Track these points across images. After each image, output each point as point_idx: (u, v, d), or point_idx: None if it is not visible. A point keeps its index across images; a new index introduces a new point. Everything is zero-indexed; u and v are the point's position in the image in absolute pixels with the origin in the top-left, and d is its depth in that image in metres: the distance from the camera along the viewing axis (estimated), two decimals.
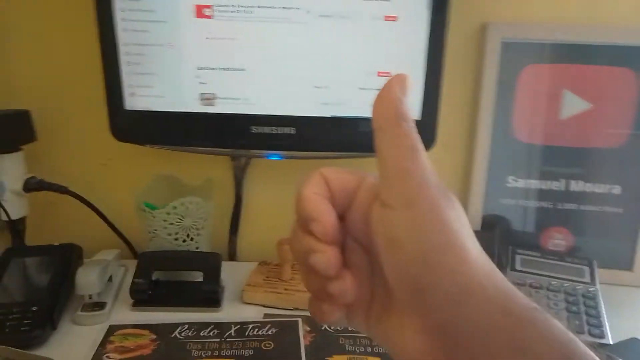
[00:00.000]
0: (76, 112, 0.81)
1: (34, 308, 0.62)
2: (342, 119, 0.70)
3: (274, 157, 0.74)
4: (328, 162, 0.81)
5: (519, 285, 0.72)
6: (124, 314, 0.68)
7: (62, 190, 0.75)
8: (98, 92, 0.70)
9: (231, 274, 0.76)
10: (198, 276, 0.72)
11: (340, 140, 0.71)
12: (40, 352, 0.59)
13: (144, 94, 0.69)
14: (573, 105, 0.77)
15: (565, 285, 0.72)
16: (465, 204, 0.84)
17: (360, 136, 0.71)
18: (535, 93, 0.78)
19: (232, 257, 0.87)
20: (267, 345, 0.62)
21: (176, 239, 0.74)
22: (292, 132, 0.69)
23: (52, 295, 0.65)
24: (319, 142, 0.71)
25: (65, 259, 0.71)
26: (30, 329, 0.60)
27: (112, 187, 0.84)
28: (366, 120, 0.71)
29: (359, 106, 0.69)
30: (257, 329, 0.65)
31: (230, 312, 0.69)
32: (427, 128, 0.71)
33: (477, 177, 0.81)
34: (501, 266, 0.75)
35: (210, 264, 0.71)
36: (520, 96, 0.78)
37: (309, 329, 0.65)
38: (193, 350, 0.60)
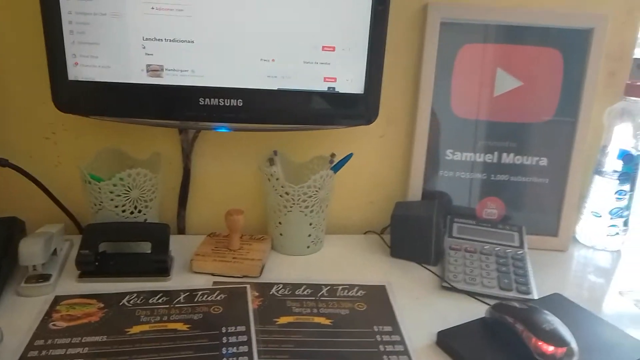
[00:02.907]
0: (17, 80, 0.79)
1: None
2: (288, 91, 0.71)
3: (222, 129, 0.75)
4: (274, 135, 0.83)
5: (455, 250, 0.77)
6: (70, 285, 0.68)
7: (2, 162, 0.73)
8: (41, 61, 0.68)
9: (181, 246, 0.77)
10: (146, 247, 0.73)
11: (286, 113, 0.73)
12: None
13: (89, 64, 0.68)
14: (505, 82, 0.82)
15: (497, 249, 0.77)
16: (407, 177, 0.88)
17: (306, 109, 0.73)
18: (471, 71, 0.82)
19: (181, 230, 0.88)
20: (216, 309, 0.63)
21: (123, 211, 0.73)
22: (240, 104, 0.71)
23: None
24: (265, 115, 0.73)
25: (7, 232, 0.70)
26: None
27: (56, 160, 0.83)
28: (310, 93, 0.74)
29: (304, 79, 0.71)
30: (206, 296, 0.66)
31: (179, 281, 0.70)
32: (370, 102, 0.74)
33: (418, 150, 0.85)
34: (440, 233, 0.79)
35: (158, 234, 0.71)
36: (457, 74, 0.82)
37: (257, 294, 0.68)
38: (142, 316, 0.61)
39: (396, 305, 0.67)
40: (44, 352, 0.54)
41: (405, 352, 0.58)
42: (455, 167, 0.86)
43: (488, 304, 0.64)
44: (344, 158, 0.79)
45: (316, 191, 0.75)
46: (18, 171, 0.75)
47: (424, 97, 0.83)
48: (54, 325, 0.59)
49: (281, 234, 0.79)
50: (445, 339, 0.59)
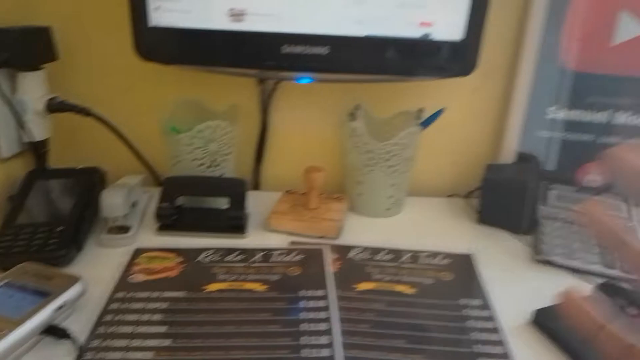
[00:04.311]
0: (99, 30, 0.78)
1: (60, 228, 0.62)
2: (377, 38, 0.65)
3: (304, 80, 0.70)
4: (356, 88, 0.78)
5: (551, 219, 0.70)
6: (149, 238, 0.68)
7: (85, 112, 0.73)
8: (122, 9, 0.66)
9: (255, 203, 0.75)
10: (223, 203, 0.71)
11: (375, 62, 0.66)
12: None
13: (170, 9, 0.65)
14: (629, 28, 0.71)
15: None
16: (500, 136, 0.80)
17: (396, 58, 0.66)
18: (587, 16, 0.71)
19: (256, 186, 0.86)
20: (293, 270, 0.61)
21: (201, 165, 0.72)
22: (325, 52, 0.65)
23: (77, 217, 0.65)
24: (352, 64, 0.67)
25: (89, 182, 0.71)
26: (56, 248, 0.59)
27: (135, 111, 0.82)
28: (402, 40, 0.67)
29: (396, 25, 0.64)
30: (283, 256, 0.64)
31: (255, 239, 0.68)
32: (469, 51, 0.66)
33: (515, 107, 0.76)
34: (535, 201, 0.72)
35: (236, 190, 0.69)
36: (570, 19, 0.72)
37: (335, 256, 0.64)
38: (219, 274, 0.60)
39: (485, 277, 0.61)
40: (125, 305, 0.54)
41: (497, 329, 0.53)
42: (556, 126, 0.77)
43: (587, 282, 0.57)
44: (434, 113, 0.72)
45: (402, 149, 0.70)
46: (100, 121, 0.75)
47: (529, 45, 0.73)
48: (133, 277, 0.59)
49: (360, 194, 0.75)
50: (543, 319, 0.53)
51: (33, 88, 0.71)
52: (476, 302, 0.57)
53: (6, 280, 0.50)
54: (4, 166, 0.72)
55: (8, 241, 0.59)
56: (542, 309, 0.54)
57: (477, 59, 0.67)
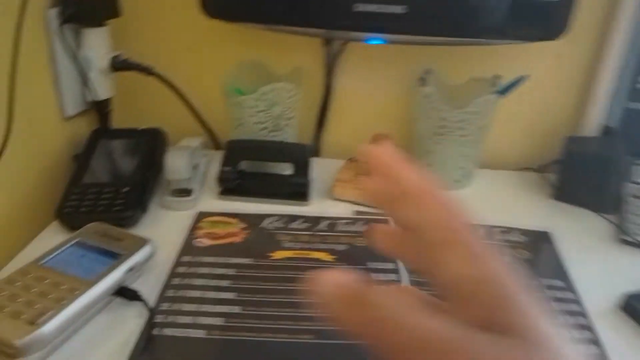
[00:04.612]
0: None
1: (125, 189, 0.61)
2: None
3: (376, 41, 0.66)
4: (426, 51, 0.73)
5: (638, 197, 0.64)
6: (211, 202, 0.67)
7: (149, 71, 0.72)
8: None
9: (317, 169, 0.72)
10: (286, 168, 0.69)
11: (455, 24, 0.62)
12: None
13: None
14: None
15: None
16: (584, 107, 0.74)
17: (479, 18, 0.61)
18: None
19: (316, 152, 0.83)
20: (360, 241, 0.58)
21: (264, 129, 0.69)
22: (401, 11, 0.60)
23: (142, 178, 0.64)
24: (429, 25, 0.62)
25: (152, 143, 0.70)
26: (123, 209, 0.59)
27: (197, 70, 0.80)
28: None
29: None
30: (348, 225, 0.62)
31: (318, 207, 0.66)
32: (560, 12, 0.61)
33: (605, 74, 0.70)
34: (621, 177, 0.66)
35: (299, 156, 0.67)
36: None
37: None
38: (284, 241, 0.58)
39: (565, 257, 0.57)
40: (191, 269, 0.53)
41: (583, 313, 0.49)
42: None
43: None
44: (514, 81, 0.66)
45: (477, 118, 0.65)
46: (162, 81, 0.74)
47: (627, 5, 0.66)
48: (199, 242, 0.58)
49: (429, 164, 0.71)
50: (635, 304, 0.49)
51: (97, 45, 0.70)
52: (558, 282, 0.53)
53: (77, 240, 0.49)
54: (68, 124, 0.72)
55: (75, 200, 0.59)
56: (634, 294, 0.50)
57: (569, 22, 0.61)
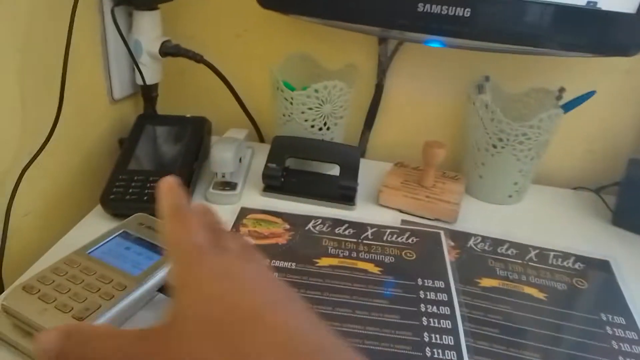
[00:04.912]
0: None
1: None
2: (532, 3, 0.56)
3: (435, 44, 0.63)
4: (485, 58, 0.69)
5: None
6: (254, 198, 0.65)
7: (198, 58, 0.70)
8: None
9: (362, 172, 0.70)
10: (332, 169, 0.67)
11: (521, 31, 0.58)
12: None
13: None
14: None
15: None
16: None
17: (548, 28, 0.58)
18: None
19: (362, 153, 0.81)
20: (408, 254, 0.56)
21: (312, 126, 0.67)
22: (466, 14, 0.57)
23: (188, 167, 0.63)
24: (494, 31, 0.59)
25: (198, 132, 0.68)
26: None
27: (245, 60, 0.78)
28: (560, 7, 0.57)
29: None
30: (395, 235, 0.59)
31: (364, 212, 0.64)
32: (636, 27, 0.56)
33: None
34: None
35: (349, 157, 0.64)
36: None
37: (452, 244, 0.59)
38: (330, 247, 0.56)
39: (627, 291, 0.54)
40: None
41: None
42: None
43: None
44: (582, 96, 0.63)
45: (539, 133, 0.62)
46: (211, 69, 0.72)
47: None
48: None
49: (481, 177, 0.68)
50: None
51: (148, 29, 0.68)
52: (620, 319, 0.50)
53: (123, 230, 0.48)
54: (115, 108, 0.71)
55: (121, 187, 0.58)
56: None
57: None
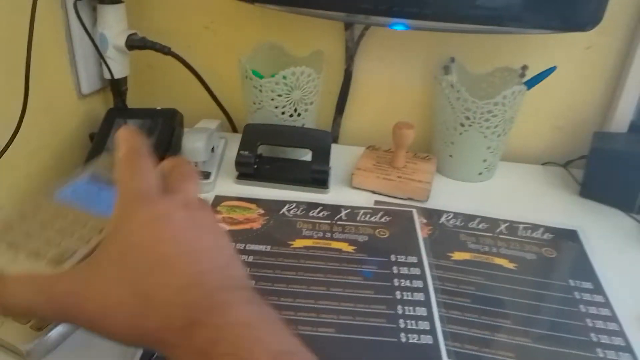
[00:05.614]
0: None
1: None
2: None
3: (399, 27, 0.64)
4: (450, 39, 0.71)
5: None
6: (228, 186, 0.65)
7: (165, 50, 0.70)
8: None
9: (335, 156, 0.70)
10: (304, 154, 0.67)
11: (485, 10, 0.59)
12: None
13: None
14: None
15: None
16: (613, 102, 0.72)
17: (509, 5, 0.59)
18: None
19: (334, 139, 0.81)
20: (381, 232, 0.57)
21: (283, 113, 0.68)
22: None
23: (160, 160, 0.62)
24: (457, 10, 0.59)
25: (169, 124, 0.68)
26: None
27: (213, 51, 0.78)
28: None
29: None
30: (369, 215, 0.60)
31: (338, 195, 0.64)
32: (593, 3, 0.58)
33: (634, 69, 0.67)
34: None
35: (320, 142, 0.65)
36: None
37: (425, 221, 0.60)
38: (304, 230, 0.57)
39: (594, 258, 0.56)
40: None
41: (614, 318, 0.47)
42: None
43: None
44: (543, 72, 0.64)
45: (504, 109, 0.63)
46: (180, 61, 0.72)
47: None
48: None
49: (451, 156, 0.69)
50: None
51: (113, 22, 0.68)
52: (587, 285, 0.51)
53: (91, 173, 0.43)
54: (83, 103, 0.70)
55: None
56: None
57: (601, 12, 0.58)
